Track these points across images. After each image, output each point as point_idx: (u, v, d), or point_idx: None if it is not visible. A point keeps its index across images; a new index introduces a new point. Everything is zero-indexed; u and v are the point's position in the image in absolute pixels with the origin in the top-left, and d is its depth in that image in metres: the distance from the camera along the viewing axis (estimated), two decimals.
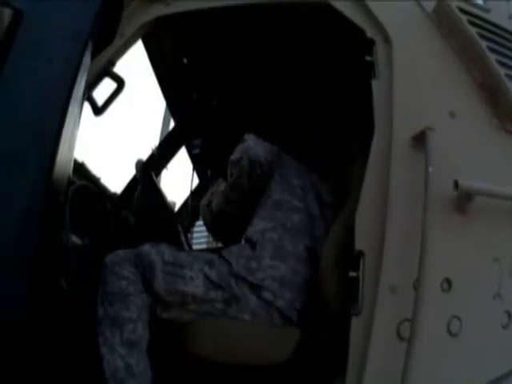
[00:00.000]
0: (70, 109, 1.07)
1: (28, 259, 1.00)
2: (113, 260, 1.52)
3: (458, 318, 1.34)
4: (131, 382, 1.38)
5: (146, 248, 1.58)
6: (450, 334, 1.33)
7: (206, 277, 1.55)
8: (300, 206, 1.77)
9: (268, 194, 1.82)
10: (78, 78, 1.10)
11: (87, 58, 1.18)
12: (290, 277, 1.60)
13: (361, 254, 1.35)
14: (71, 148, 1.23)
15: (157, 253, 1.56)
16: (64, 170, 1.16)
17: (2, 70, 1.03)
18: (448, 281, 1.35)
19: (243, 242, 1.74)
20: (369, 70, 1.56)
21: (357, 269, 1.34)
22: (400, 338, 1.28)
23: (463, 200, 1.38)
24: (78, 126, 1.29)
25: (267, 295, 1.55)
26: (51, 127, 1.03)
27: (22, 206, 0.99)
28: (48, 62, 1.06)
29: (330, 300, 1.53)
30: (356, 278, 1.34)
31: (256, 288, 1.55)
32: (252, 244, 1.66)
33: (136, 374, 1.39)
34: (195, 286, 1.53)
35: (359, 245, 1.36)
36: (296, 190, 1.81)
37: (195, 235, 5.65)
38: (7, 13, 1.04)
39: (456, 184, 1.33)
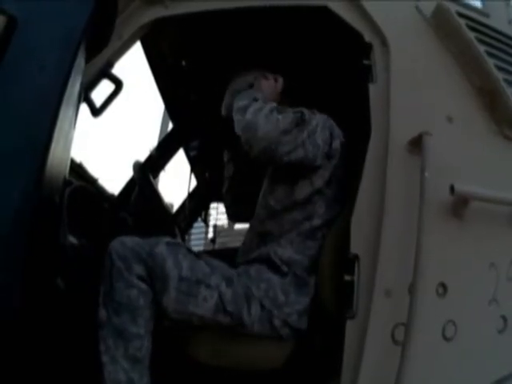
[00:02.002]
0: (63, 111, 1.07)
1: (21, 259, 1.00)
2: (120, 254, 1.39)
3: (454, 323, 1.35)
4: None
5: (162, 250, 1.43)
6: (445, 338, 1.34)
7: (220, 296, 1.44)
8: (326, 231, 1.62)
9: (309, 214, 1.61)
10: (71, 82, 1.10)
11: (80, 62, 1.18)
12: (309, 307, 1.53)
13: (356, 257, 1.35)
14: (67, 149, 1.23)
15: (174, 264, 1.42)
16: (59, 169, 1.16)
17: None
18: (443, 285, 1.35)
19: (258, 261, 1.62)
20: (366, 74, 1.56)
21: (352, 272, 1.34)
22: (395, 342, 1.28)
23: (459, 205, 1.39)
24: (74, 127, 1.29)
25: (278, 324, 1.48)
26: (44, 129, 1.03)
27: (14, 205, 0.99)
28: (40, 69, 1.06)
29: (325, 303, 1.52)
30: (351, 282, 1.34)
31: (272, 318, 1.48)
32: (276, 269, 1.55)
33: None
34: (206, 309, 1.43)
35: (355, 248, 1.36)
36: (333, 214, 1.64)
37: (192, 237, 5.67)
38: (1, 20, 1.04)
39: (452, 188, 1.33)
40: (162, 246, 1.44)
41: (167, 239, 1.49)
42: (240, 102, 1.62)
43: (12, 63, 1.04)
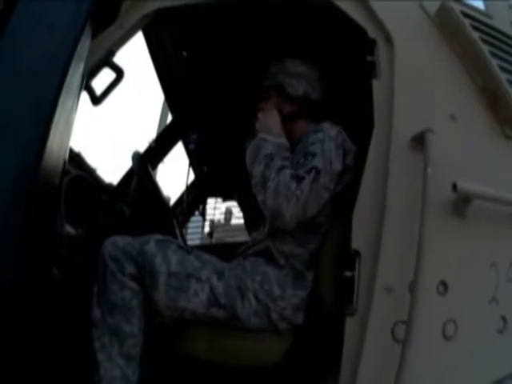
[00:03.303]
0: (70, 76, 1.05)
1: (14, 242, 0.98)
2: (112, 255, 1.42)
3: (454, 322, 1.34)
4: None
5: (151, 248, 1.46)
6: (445, 337, 1.33)
7: (212, 290, 1.46)
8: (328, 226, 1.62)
9: None
10: (79, 48, 1.08)
11: (88, 31, 1.16)
12: (305, 302, 1.53)
13: (357, 253, 1.34)
14: (69, 123, 1.21)
15: (163, 259, 1.44)
16: (59, 150, 1.14)
17: (2, 35, 1.01)
18: (444, 284, 1.34)
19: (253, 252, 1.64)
20: (370, 70, 1.56)
21: (352, 268, 1.34)
22: (395, 339, 1.28)
23: (461, 203, 1.38)
24: (78, 97, 1.27)
25: (275, 318, 1.48)
26: (49, 95, 1.01)
27: (13, 169, 0.96)
28: (48, 29, 1.04)
29: (324, 299, 1.52)
30: (351, 278, 1.33)
31: (269, 312, 1.48)
32: (273, 261, 1.56)
33: (131, 383, 1.38)
34: (198, 303, 1.44)
35: (356, 244, 1.35)
36: (337, 210, 1.62)
37: (189, 231, 5.65)
38: None
39: (454, 186, 1.32)
40: (151, 244, 1.47)
41: (157, 236, 1.51)
42: (255, 169, 1.55)
43: (19, 22, 1.02)
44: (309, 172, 1.49)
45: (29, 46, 1.05)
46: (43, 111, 1.01)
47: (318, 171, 1.49)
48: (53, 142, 1.03)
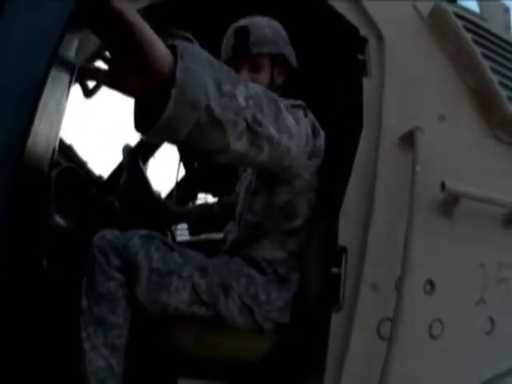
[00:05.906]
0: (61, 54, 1.03)
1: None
2: (100, 248, 1.44)
3: (440, 321, 1.35)
4: (111, 382, 1.38)
5: (135, 244, 1.47)
6: (432, 336, 1.34)
7: (194, 287, 1.46)
8: (311, 229, 1.56)
9: (290, 216, 1.52)
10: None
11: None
12: (291, 302, 1.52)
13: (343, 250, 1.34)
14: (60, 109, 1.19)
15: (145, 255, 1.46)
16: (48, 133, 1.11)
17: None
18: (431, 282, 1.35)
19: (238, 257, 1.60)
20: (360, 69, 1.56)
21: (339, 265, 1.34)
22: (380, 337, 1.28)
23: (449, 202, 1.39)
24: (70, 84, 1.26)
25: (260, 319, 1.48)
26: (38, 69, 0.99)
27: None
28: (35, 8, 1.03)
29: (310, 296, 1.51)
30: (338, 275, 1.33)
31: (253, 313, 1.47)
32: (258, 267, 1.54)
33: (117, 374, 1.39)
34: (179, 299, 1.45)
35: (342, 241, 1.35)
36: (316, 210, 1.56)
37: (179, 226, 5.62)
38: None
39: (443, 185, 1.33)
40: (135, 239, 1.48)
41: (142, 232, 1.53)
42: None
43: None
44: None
45: (17, 19, 1.03)
46: (31, 82, 0.99)
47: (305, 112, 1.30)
48: (40, 121, 1.00)
